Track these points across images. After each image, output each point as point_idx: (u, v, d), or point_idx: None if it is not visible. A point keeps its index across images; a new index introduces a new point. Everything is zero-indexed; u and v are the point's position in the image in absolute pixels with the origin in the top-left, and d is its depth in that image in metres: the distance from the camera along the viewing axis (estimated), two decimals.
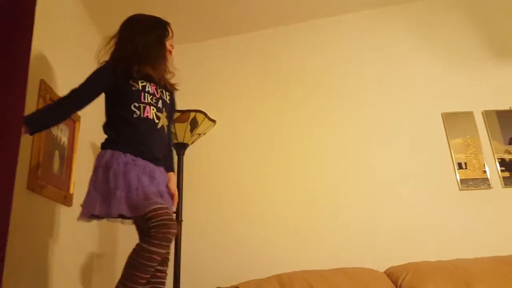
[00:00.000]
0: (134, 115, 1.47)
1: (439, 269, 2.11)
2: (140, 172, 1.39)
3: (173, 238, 1.30)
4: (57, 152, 1.87)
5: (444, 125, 2.69)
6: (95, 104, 2.42)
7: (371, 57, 2.87)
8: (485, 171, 2.60)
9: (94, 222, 2.28)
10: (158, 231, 1.23)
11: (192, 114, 2.10)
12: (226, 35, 2.80)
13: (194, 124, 2.12)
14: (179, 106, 2.13)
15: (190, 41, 2.38)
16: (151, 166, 1.46)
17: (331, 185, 2.54)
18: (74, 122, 2.05)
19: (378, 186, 2.54)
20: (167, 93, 1.62)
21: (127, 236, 2.32)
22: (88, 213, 1.37)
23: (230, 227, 2.12)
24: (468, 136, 2.67)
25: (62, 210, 1.93)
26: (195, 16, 2.56)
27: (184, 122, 2.10)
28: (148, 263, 1.24)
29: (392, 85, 2.80)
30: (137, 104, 1.49)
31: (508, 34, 2.95)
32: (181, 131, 2.12)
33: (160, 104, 1.56)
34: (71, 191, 1.99)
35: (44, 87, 1.72)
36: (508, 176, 2.60)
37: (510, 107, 2.75)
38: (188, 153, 2.26)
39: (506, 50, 2.90)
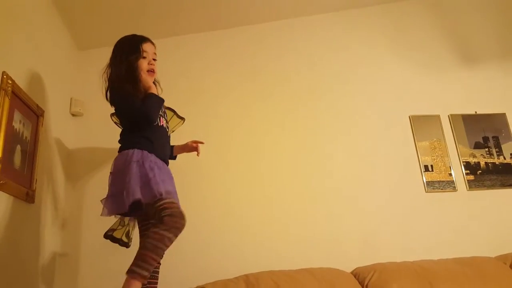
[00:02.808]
0: (154, 124, 1.72)
1: (404, 270, 2.14)
2: (163, 170, 1.64)
3: (182, 229, 1.45)
4: (18, 147, 1.80)
5: (412, 128, 2.75)
6: (60, 99, 2.38)
7: (340, 58, 2.90)
8: (450, 174, 2.67)
9: (59, 221, 2.25)
10: (169, 219, 1.41)
11: None
12: (196, 32, 2.78)
13: None
14: None
15: (160, 37, 2.35)
16: (167, 167, 1.73)
17: (298, 186, 2.54)
18: (37, 116, 1.98)
19: (346, 187, 2.57)
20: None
21: (91, 236, 2.28)
22: (131, 200, 1.46)
23: (195, 227, 2.08)
24: (434, 139, 2.74)
25: (24, 207, 1.86)
26: (166, 11, 2.54)
27: None
28: (160, 244, 1.38)
29: (361, 87, 2.84)
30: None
31: (475, 40, 3.05)
32: None
33: (165, 115, 1.88)
34: (33, 188, 1.93)
35: (7, 79, 1.66)
36: (473, 179, 2.68)
37: (475, 112, 2.84)
38: None
39: (473, 55, 3.00)
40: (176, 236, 1.43)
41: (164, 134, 1.78)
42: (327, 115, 2.74)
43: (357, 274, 2.16)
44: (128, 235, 1.96)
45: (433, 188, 2.62)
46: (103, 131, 2.47)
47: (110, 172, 1.64)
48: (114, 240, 1.95)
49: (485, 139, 2.79)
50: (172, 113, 2.11)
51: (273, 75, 2.80)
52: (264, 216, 2.46)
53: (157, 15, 2.56)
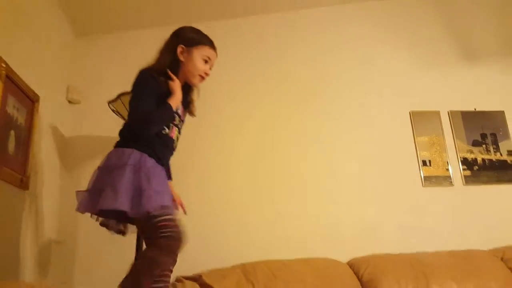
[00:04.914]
0: (163, 131, 1.49)
1: (400, 261, 2.16)
2: (161, 179, 1.42)
3: (178, 252, 1.31)
4: (12, 132, 1.78)
5: (412, 123, 2.75)
6: (57, 86, 2.36)
7: (341, 53, 2.88)
8: (448, 169, 2.67)
9: (54, 207, 2.23)
10: (165, 241, 1.25)
11: None
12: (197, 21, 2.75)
13: None
14: None
15: (160, 25, 2.32)
16: (164, 174, 1.51)
17: (296, 178, 2.54)
18: (33, 102, 1.96)
19: (344, 180, 2.57)
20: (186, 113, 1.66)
21: (87, 223, 2.26)
22: (112, 207, 1.28)
23: (192, 216, 2.08)
24: (433, 135, 2.74)
25: (18, 193, 1.85)
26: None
27: None
28: (154, 270, 1.25)
29: (363, 82, 2.82)
30: (170, 124, 1.52)
31: (476, 37, 3.04)
32: None
33: (180, 126, 1.61)
34: (28, 174, 1.91)
35: (0, 62, 1.63)
36: (469, 175, 2.69)
37: (475, 109, 2.84)
38: None
39: (474, 52, 2.99)
40: (174, 260, 1.31)
41: (169, 145, 1.53)
42: (328, 109, 2.72)
43: (352, 265, 2.17)
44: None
45: (430, 183, 2.63)
46: (101, 120, 2.46)
47: (99, 166, 1.44)
48: (110, 228, 1.93)
49: (483, 135, 2.79)
50: None
51: (271, 71, 2.77)
52: (262, 206, 2.46)
53: (158, 1, 2.52)
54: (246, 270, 1.97)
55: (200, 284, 1.82)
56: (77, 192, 1.45)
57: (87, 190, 1.40)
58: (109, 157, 1.42)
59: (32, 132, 1.95)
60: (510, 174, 2.71)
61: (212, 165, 2.51)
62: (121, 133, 1.53)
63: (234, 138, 2.59)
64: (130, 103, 1.46)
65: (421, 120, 2.76)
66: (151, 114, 1.40)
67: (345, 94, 2.78)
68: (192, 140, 2.42)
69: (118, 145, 1.47)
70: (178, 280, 1.82)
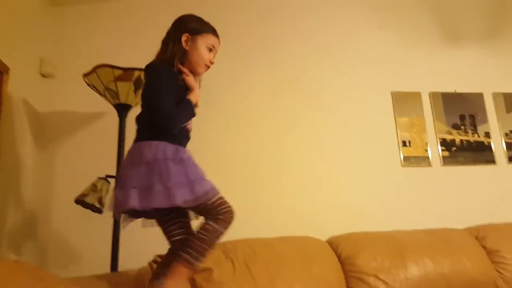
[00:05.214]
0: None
1: (377, 239, 2.19)
2: (197, 165, 1.45)
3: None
4: None
5: (393, 104, 2.76)
6: (29, 58, 2.24)
7: (325, 33, 2.83)
8: (427, 150, 2.71)
9: (27, 184, 2.16)
10: (227, 216, 1.38)
11: (137, 73, 1.97)
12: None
13: (139, 84, 1.99)
14: (123, 63, 2.01)
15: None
16: None
17: (277, 156, 2.53)
18: (1, 73, 1.86)
19: (325, 158, 2.58)
20: None
21: (62, 200, 2.21)
22: (179, 203, 1.30)
23: None
24: (414, 116, 2.76)
25: None
26: None
27: (127, 81, 1.97)
28: (217, 239, 1.38)
29: (345, 62, 2.80)
30: None
31: (459, 20, 3.05)
32: (124, 90, 1.98)
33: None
34: None
35: None
36: (448, 156, 2.73)
37: (455, 90, 2.87)
38: (132, 115, 2.14)
39: (456, 35, 3.00)
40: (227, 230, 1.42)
41: (187, 136, 1.55)
42: (309, 89, 2.70)
43: (332, 243, 2.19)
44: (101, 201, 1.90)
45: (410, 163, 2.67)
46: (77, 94, 2.37)
47: (131, 161, 1.37)
48: (86, 205, 1.88)
49: (462, 117, 2.83)
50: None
51: (253, 54, 2.70)
52: (242, 184, 2.44)
53: None
54: (226, 248, 1.95)
55: None
56: (117, 189, 1.39)
57: (130, 187, 1.32)
58: (144, 151, 1.36)
59: (1, 105, 1.86)
60: (486, 155, 2.78)
61: (194, 146, 2.46)
62: (143, 124, 1.45)
63: (210, 121, 2.54)
64: (151, 101, 1.40)
65: (402, 101, 2.77)
66: (176, 114, 1.40)
67: (327, 73, 2.75)
68: None
69: (144, 137, 1.41)
70: (154, 260, 1.79)
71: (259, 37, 2.74)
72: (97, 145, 2.32)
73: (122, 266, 1.94)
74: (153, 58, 1.50)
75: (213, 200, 1.37)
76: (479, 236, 2.35)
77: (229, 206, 1.41)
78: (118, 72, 1.96)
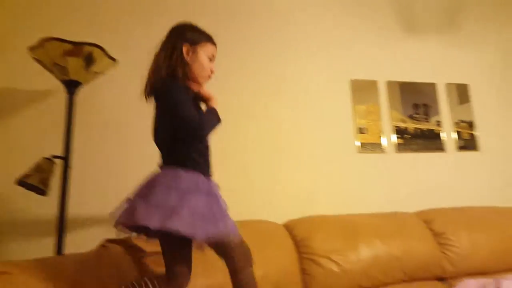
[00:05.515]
0: (206, 143, 1.50)
1: (332, 222, 2.24)
2: (221, 199, 1.45)
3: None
4: None
5: (351, 91, 2.81)
6: None
7: (284, 19, 2.80)
8: (381, 137, 2.79)
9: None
10: (248, 256, 1.40)
11: (88, 48, 1.86)
12: None
13: (90, 61, 1.89)
14: (73, 37, 1.89)
15: None
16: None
17: (235, 139, 2.50)
18: None
19: (282, 142, 2.58)
20: None
21: (4, 183, 2.07)
22: (191, 234, 1.26)
23: (125, 176, 1.97)
24: (371, 103, 2.83)
25: None
26: None
27: (77, 57, 1.86)
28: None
29: (305, 48, 2.80)
30: None
31: (417, 11, 3.13)
32: (73, 66, 1.88)
33: None
34: None
35: None
36: (402, 143, 2.83)
37: (411, 80, 2.97)
38: (83, 93, 2.04)
39: (414, 26, 3.09)
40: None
41: (209, 151, 1.51)
42: (267, 73, 2.66)
43: (288, 226, 2.22)
44: (45, 182, 1.80)
45: (365, 150, 2.74)
46: (20, 69, 2.21)
47: (160, 182, 1.33)
48: (29, 187, 1.77)
49: (416, 106, 2.94)
50: (101, 52, 1.90)
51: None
52: None
53: None
54: None
55: (126, 247, 1.74)
56: (133, 201, 1.35)
57: (150, 204, 1.28)
58: (174, 177, 1.34)
59: None
60: (437, 143, 2.90)
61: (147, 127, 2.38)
62: (170, 148, 1.42)
63: None
64: (175, 116, 1.37)
65: (360, 89, 2.83)
66: (205, 120, 1.40)
67: (287, 61, 2.73)
68: (129, 102, 2.28)
69: (173, 162, 1.38)
70: (102, 244, 1.73)
71: (211, 18, 2.68)
72: (42, 124, 2.18)
73: (69, 250, 1.86)
74: (149, 71, 1.46)
75: (232, 240, 1.36)
76: (427, 219, 2.46)
77: (247, 248, 1.41)
78: (68, 47, 1.85)
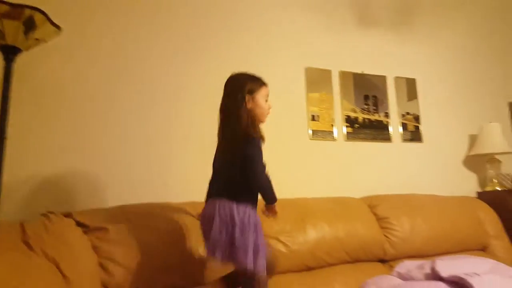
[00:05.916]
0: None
1: (282, 205, 2.20)
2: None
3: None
4: None
5: (306, 79, 2.85)
6: None
7: (241, 9, 2.78)
8: (332, 125, 2.87)
9: None
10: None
11: (28, 12, 1.71)
12: None
13: (30, 26, 1.74)
14: None
15: None
16: None
17: (186, 127, 2.46)
18: None
19: None
20: None
21: None
22: (244, 267, 1.50)
23: (66, 151, 1.87)
24: (324, 92, 2.90)
25: None
26: None
27: (16, 20, 1.72)
28: None
29: (263, 37, 2.79)
30: None
31: (372, 5, 3.24)
32: (11, 30, 1.73)
33: None
34: None
35: None
36: (351, 132, 2.93)
37: (362, 71, 3.07)
38: (22, 61, 1.89)
39: (369, 20, 3.20)
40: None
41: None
42: (224, 61, 2.60)
43: None
44: None
45: (317, 137, 2.80)
46: None
47: (220, 218, 1.54)
48: None
49: (366, 97, 3.05)
50: (44, 17, 1.77)
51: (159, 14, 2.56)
52: (140, 145, 2.31)
53: None
54: (125, 209, 1.86)
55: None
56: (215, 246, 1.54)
57: (231, 245, 1.51)
58: (239, 214, 1.54)
59: None
60: (384, 134, 3.04)
61: (94, 101, 2.26)
62: (239, 188, 1.61)
63: (120, 75, 2.37)
64: (252, 167, 1.61)
65: (314, 77, 2.89)
66: (269, 184, 1.71)
67: (244, 47, 2.72)
68: (73, 73, 2.16)
69: (233, 196, 1.58)
70: (44, 214, 1.64)
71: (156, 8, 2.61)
72: None
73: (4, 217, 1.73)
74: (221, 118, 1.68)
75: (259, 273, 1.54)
76: (372, 204, 2.57)
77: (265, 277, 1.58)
78: (4, 8, 1.69)
